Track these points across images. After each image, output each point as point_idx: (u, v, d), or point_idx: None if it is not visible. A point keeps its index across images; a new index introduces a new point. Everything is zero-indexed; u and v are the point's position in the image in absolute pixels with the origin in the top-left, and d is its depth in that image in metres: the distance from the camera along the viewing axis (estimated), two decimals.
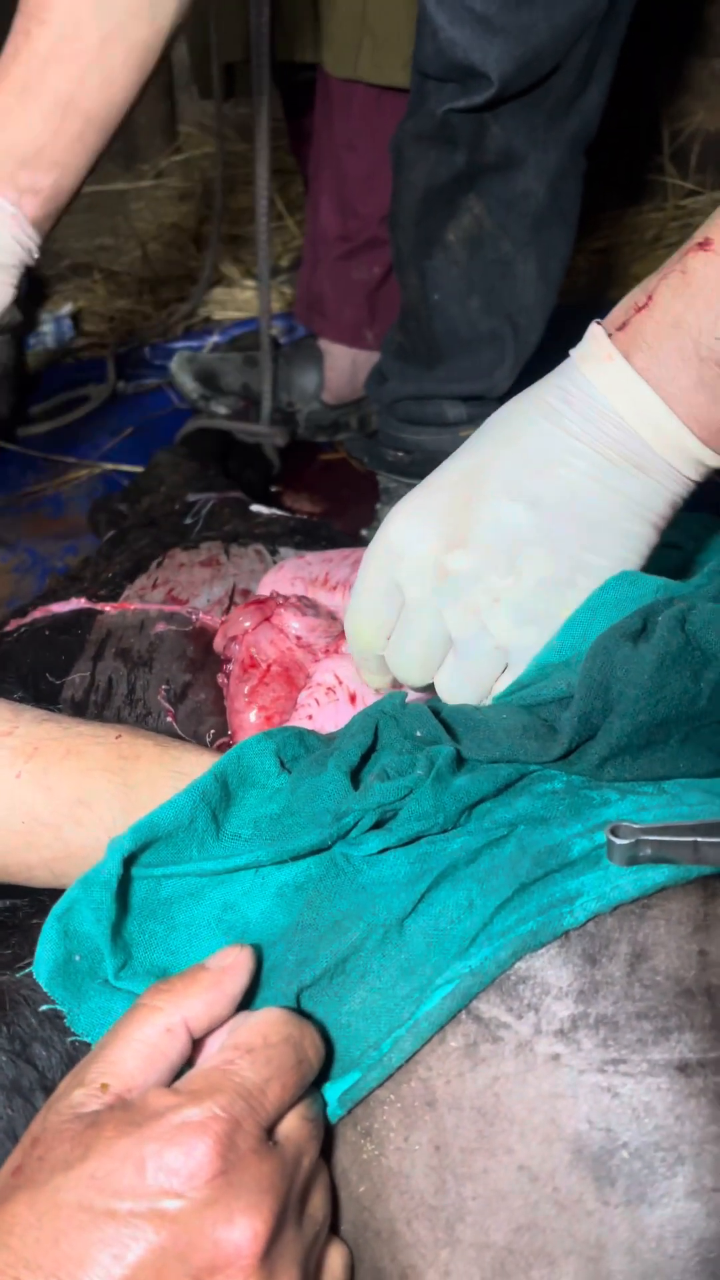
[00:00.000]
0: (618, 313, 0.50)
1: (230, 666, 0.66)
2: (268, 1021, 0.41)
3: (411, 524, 0.53)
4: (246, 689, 0.64)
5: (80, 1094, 0.38)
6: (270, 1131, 0.39)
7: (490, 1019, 0.42)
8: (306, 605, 0.67)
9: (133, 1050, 0.39)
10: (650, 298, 0.48)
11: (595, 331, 0.50)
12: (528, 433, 0.51)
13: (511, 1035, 0.41)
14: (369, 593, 0.55)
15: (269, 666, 0.64)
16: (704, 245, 0.47)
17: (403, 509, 0.54)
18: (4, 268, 0.77)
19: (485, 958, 0.43)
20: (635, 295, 0.50)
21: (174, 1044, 0.40)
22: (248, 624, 0.66)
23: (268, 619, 0.65)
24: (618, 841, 0.43)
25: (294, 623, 0.64)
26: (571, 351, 0.52)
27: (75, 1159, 0.36)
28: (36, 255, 0.79)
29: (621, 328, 0.49)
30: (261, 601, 0.67)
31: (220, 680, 0.67)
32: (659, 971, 0.41)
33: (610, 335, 0.49)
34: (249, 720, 0.63)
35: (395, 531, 0.54)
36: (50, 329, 1.81)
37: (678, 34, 1.90)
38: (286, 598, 0.67)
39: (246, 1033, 0.40)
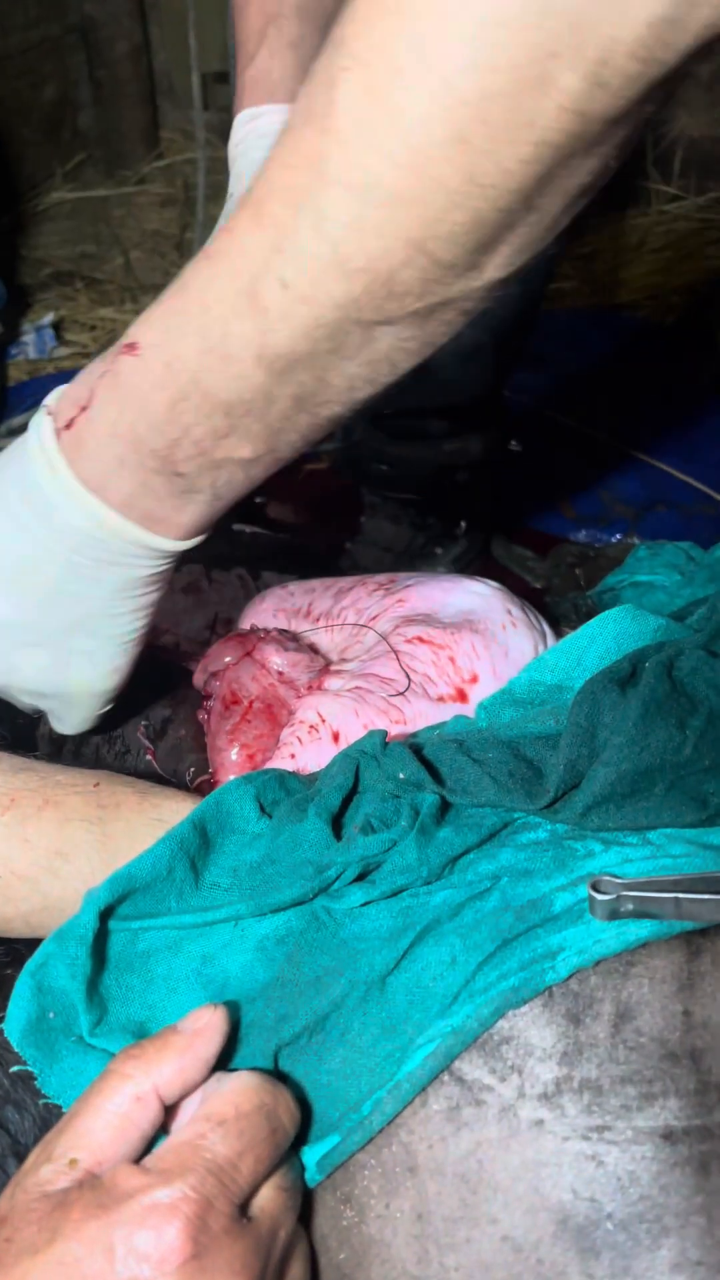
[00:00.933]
0: (65, 405, 0.50)
1: (211, 703, 0.65)
2: (239, 1090, 0.40)
3: None
4: (228, 726, 0.63)
5: (48, 1170, 0.37)
6: (245, 1206, 0.38)
7: (473, 1081, 0.41)
8: (288, 639, 0.66)
9: (103, 1121, 0.38)
10: (91, 395, 0.48)
11: (45, 425, 0.50)
12: (3, 539, 0.52)
13: (495, 1098, 0.41)
14: None
15: (251, 703, 0.63)
16: (130, 348, 0.47)
17: None
18: None
19: (467, 1015, 0.42)
20: (80, 386, 0.49)
21: (145, 1113, 0.39)
22: (229, 659, 0.65)
23: (249, 654, 0.64)
24: (599, 897, 0.43)
25: (276, 659, 0.63)
26: (31, 428, 0.51)
27: (43, 1243, 0.35)
28: None
29: (69, 426, 0.49)
30: (243, 636, 0.66)
31: (200, 716, 0.66)
32: (643, 1033, 0.41)
33: (59, 433, 0.49)
34: (230, 759, 0.62)
35: None
36: (31, 339, 1.79)
37: None
38: (268, 631, 0.66)
39: (218, 1102, 0.39)
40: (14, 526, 0.51)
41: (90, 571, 0.51)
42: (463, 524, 1.34)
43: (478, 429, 1.29)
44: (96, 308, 1.88)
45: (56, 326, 1.82)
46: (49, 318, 1.82)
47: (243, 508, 1.34)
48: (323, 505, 1.52)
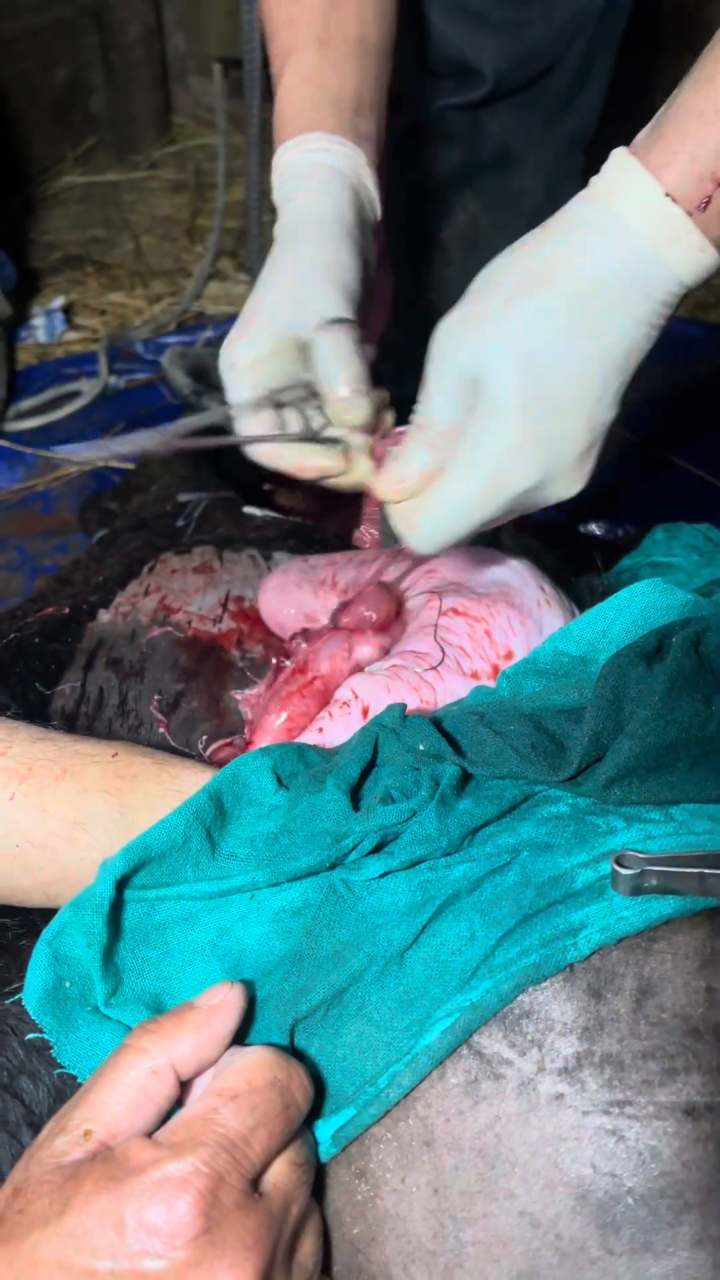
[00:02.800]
0: (690, 183, 0.47)
1: (287, 662, 0.65)
2: (252, 1064, 0.39)
3: None
4: (284, 691, 0.62)
5: (63, 1141, 0.37)
6: (257, 1181, 0.38)
7: (492, 1055, 0.41)
8: (387, 641, 0.65)
9: (118, 1094, 0.38)
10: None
11: (672, 214, 0.47)
12: (624, 337, 0.50)
13: (514, 1073, 0.40)
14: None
15: (314, 680, 0.63)
16: None
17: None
18: (367, 224, 0.73)
19: (487, 990, 0.42)
20: (703, 160, 0.46)
21: (160, 1087, 0.39)
22: (327, 630, 0.65)
23: (347, 634, 0.64)
24: (623, 871, 0.42)
25: (365, 648, 0.63)
26: (632, 220, 0.49)
27: (53, 1215, 0.35)
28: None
29: (704, 208, 0.46)
30: (353, 621, 0.65)
31: (273, 664, 0.66)
32: (665, 1009, 0.40)
33: (691, 214, 0.47)
34: (272, 723, 0.62)
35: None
36: (41, 322, 1.79)
37: (676, 34, 1.88)
38: (372, 624, 0.65)
39: (231, 1077, 0.39)
40: (649, 328, 0.50)
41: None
42: None
43: None
44: (106, 292, 1.88)
45: (66, 310, 1.82)
46: (59, 302, 1.82)
47: (252, 493, 1.33)
48: (331, 493, 1.52)
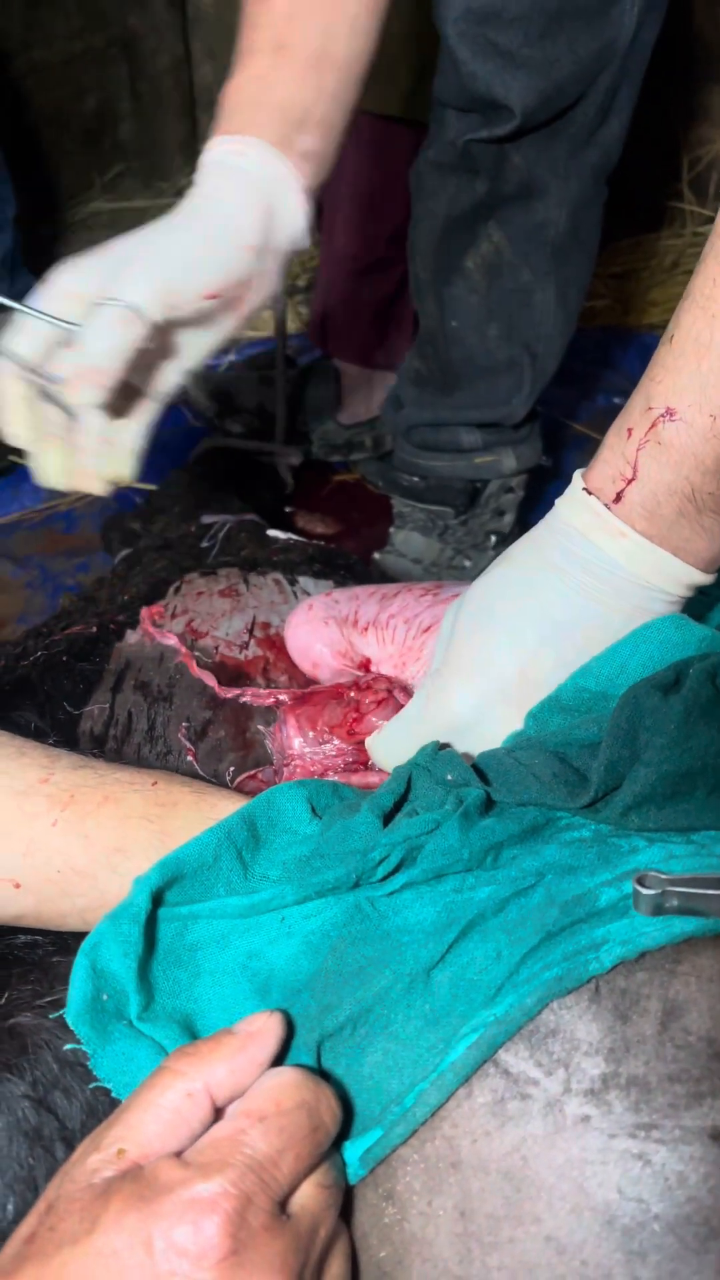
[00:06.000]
0: (604, 483, 0.54)
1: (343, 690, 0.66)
2: (281, 1086, 0.39)
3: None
4: (320, 715, 0.65)
5: (96, 1159, 0.38)
6: (285, 1203, 0.38)
7: (519, 1074, 0.41)
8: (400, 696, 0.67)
9: (153, 1115, 0.38)
10: (635, 469, 0.53)
11: (594, 505, 0.54)
12: (567, 608, 0.55)
13: (540, 1092, 0.41)
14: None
15: (346, 725, 0.64)
16: (669, 414, 0.51)
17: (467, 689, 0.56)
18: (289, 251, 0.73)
19: (510, 1005, 0.42)
20: (615, 464, 0.54)
21: (196, 1111, 0.39)
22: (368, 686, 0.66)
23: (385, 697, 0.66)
24: (644, 891, 0.43)
25: (372, 719, 0.65)
26: (566, 514, 0.56)
27: (83, 1233, 0.35)
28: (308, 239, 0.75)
29: (617, 500, 0.54)
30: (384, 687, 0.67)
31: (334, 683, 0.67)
32: (691, 1032, 0.41)
33: (608, 506, 0.54)
34: (291, 729, 0.64)
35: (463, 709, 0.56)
36: None
37: (696, 62, 1.90)
38: (388, 696, 0.67)
39: (259, 1098, 0.39)
40: (581, 597, 0.54)
41: (640, 618, 0.55)
42: (493, 537, 1.35)
43: (510, 443, 1.29)
44: None
45: None
46: None
47: (275, 516, 1.34)
48: (351, 515, 1.53)
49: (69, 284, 0.67)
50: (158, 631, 0.75)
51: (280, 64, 0.72)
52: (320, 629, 0.70)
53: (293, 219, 0.73)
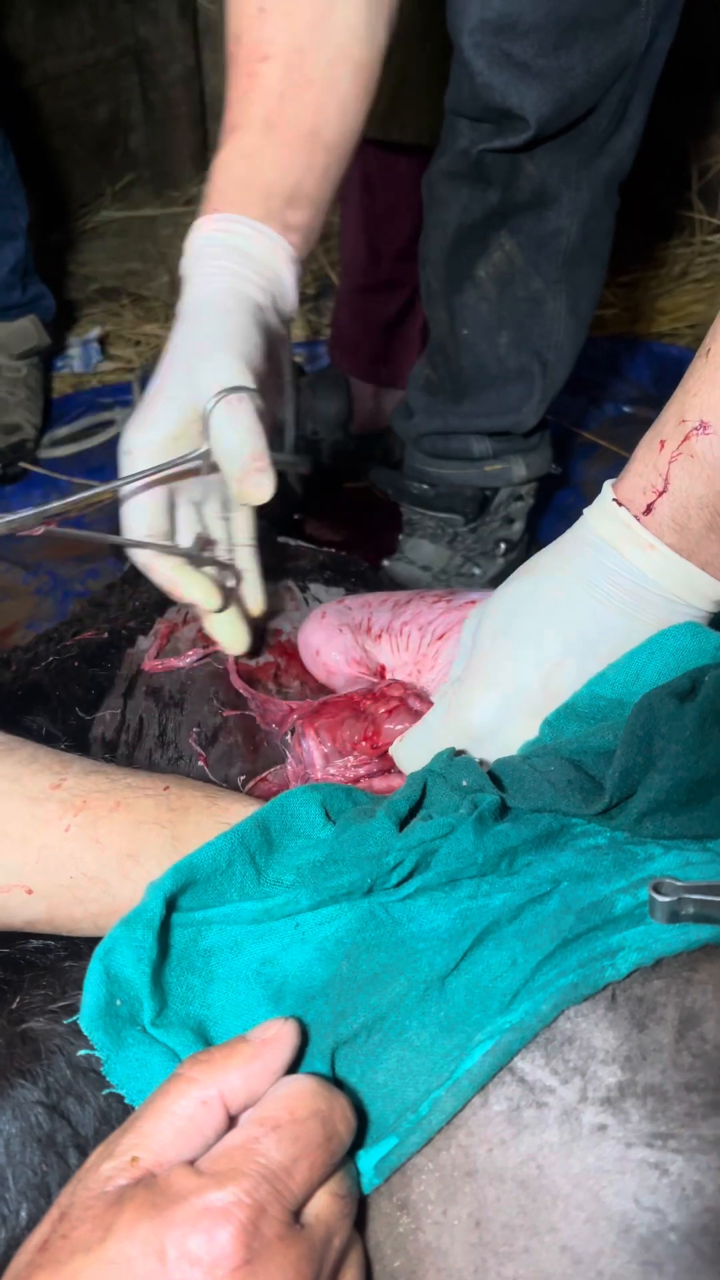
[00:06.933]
0: (635, 494, 0.54)
1: (367, 698, 0.66)
2: (295, 1094, 0.39)
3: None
4: (335, 724, 0.65)
5: (109, 1167, 0.37)
6: (298, 1212, 0.38)
7: (535, 1082, 0.41)
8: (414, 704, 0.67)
9: (167, 1122, 0.38)
10: (666, 481, 0.52)
11: (624, 517, 0.54)
12: (592, 620, 0.55)
13: (557, 1101, 0.40)
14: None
15: (365, 738, 0.64)
16: (702, 428, 0.51)
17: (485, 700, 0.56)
18: (283, 321, 0.73)
19: (526, 1012, 0.42)
20: (646, 476, 0.53)
21: (210, 1118, 0.39)
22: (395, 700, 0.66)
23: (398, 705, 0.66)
24: (660, 898, 0.43)
25: (388, 726, 0.65)
26: (595, 523, 0.56)
27: (95, 1241, 0.35)
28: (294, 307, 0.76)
29: (647, 512, 0.53)
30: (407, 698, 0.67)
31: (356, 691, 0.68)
32: (708, 1040, 0.40)
33: (638, 518, 0.53)
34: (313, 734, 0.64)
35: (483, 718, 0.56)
36: (77, 352, 1.82)
37: (705, 72, 1.91)
38: (400, 705, 0.67)
39: (273, 1106, 0.39)
40: (607, 609, 0.54)
41: (657, 629, 0.54)
42: (502, 545, 1.35)
43: (520, 451, 1.29)
44: (141, 324, 1.91)
45: (102, 341, 1.85)
46: (95, 332, 1.85)
47: (285, 523, 1.34)
48: (361, 523, 1.53)
49: (141, 442, 0.66)
50: (170, 660, 0.74)
51: (270, 143, 0.73)
52: (334, 636, 0.70)
53: (289, 290, 0.75)
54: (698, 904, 0.42)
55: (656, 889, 0.43)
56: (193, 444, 0.66)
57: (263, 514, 1.22)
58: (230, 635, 0.72)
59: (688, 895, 0.42)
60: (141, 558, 0.69)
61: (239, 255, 0.72)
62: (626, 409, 1.65)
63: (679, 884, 0.43)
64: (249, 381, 0.65)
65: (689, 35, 1.10)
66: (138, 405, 0.68)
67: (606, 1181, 0.39)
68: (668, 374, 1.71)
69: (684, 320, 1.84)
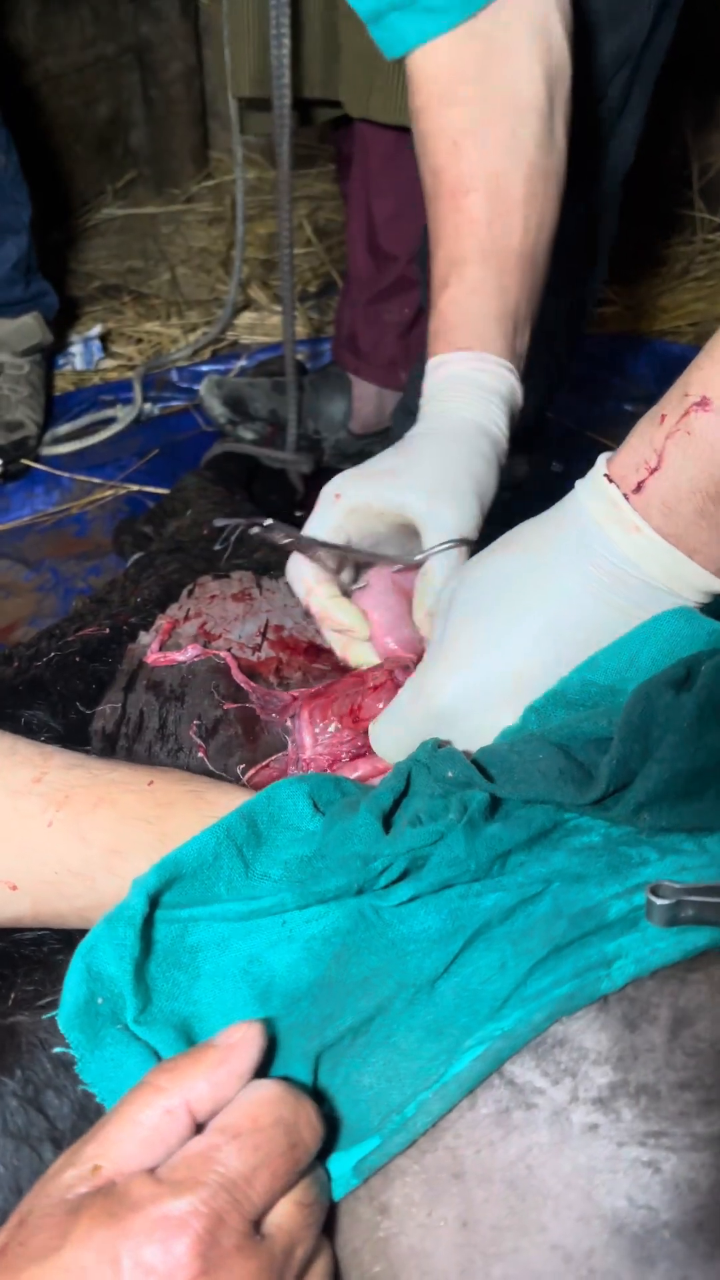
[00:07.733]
0: (627, 470, 0.52)
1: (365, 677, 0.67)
2: (258, 1101, 0.38)
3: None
4: (331, 699, 0.65)
5: (72, 1175, 0.37)
6: (259, 1222, 0.37)
7: (524, 1084, 0.41)
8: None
9: (130, 1132, 0.37)
10: (660, 459, 0.50)
11: (613, 494, 0.52)
12: (571, 605, 0.53)
13: (546, 1102, 0.40)
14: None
15: (353, 710, 0.64)
16: (702, 405, 0.49)
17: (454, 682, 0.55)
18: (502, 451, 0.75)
19: (519, 1019, 0.41)
20: (641, 451, 0.51)
21: (174, 1127, 0.38)
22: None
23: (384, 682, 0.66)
24: (658, 902, 0.42)
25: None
26: (584, 498, 0.54)
27: (51, 1249, 0.34)
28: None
29: (637, 490, 0.51)
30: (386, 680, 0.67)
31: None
32: (702, 1039, 0.40)
33: (627, 497, 0.51)
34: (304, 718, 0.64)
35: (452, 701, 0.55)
36: (79, 350, 1.82)
37: (706, 69, 1.90)
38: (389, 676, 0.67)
39: (235, 1114, 0.38)
40: (586, 593, 0.52)
41: (639, 619, 0.53)
42: None
43: (521, 450, 1.29)
44: (142, 321, 1.91)
45: (103, 339, 1.85)
46: (96, 330, 1.85)
47: (287, 522, 1.34)
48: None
49: (352, 497, 0.69)
50: (171, 655, 0.74)
51: (489, 271, 0.75)
52: (385, 602, 0.71)
53: (516, 416, 0.78)
54: (697, 906, 0.42)
55: (655, 892, 0.42)
56: (374, 526, 0.69)
57: (266, 512, 1.21)
58: (367, 661, 0.73)
59: (687, 898, 0.42)
60: (301, 587, 0.72)
61: (487, 393, 0.74)
62: (628, 407, 1.64)
63: (678, 886, 0.42)
64: (474, 531, 0.68)
65: (689, 33, 1.10)
66: (365, 464, 0.71)
67: (598, 1180, 0.38)
68: (669, 372, 1.70)
69: (685, 318, 1.83)
